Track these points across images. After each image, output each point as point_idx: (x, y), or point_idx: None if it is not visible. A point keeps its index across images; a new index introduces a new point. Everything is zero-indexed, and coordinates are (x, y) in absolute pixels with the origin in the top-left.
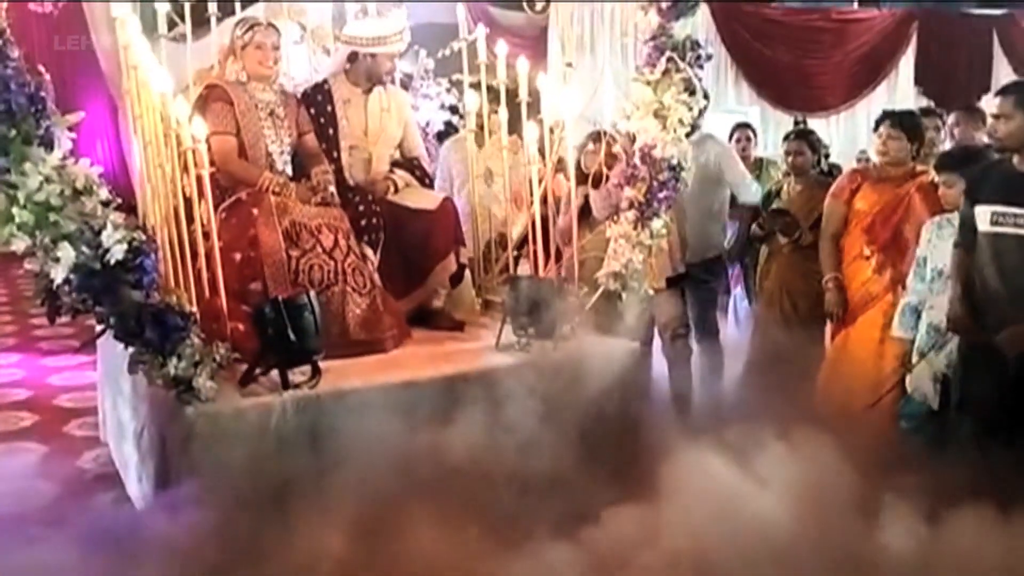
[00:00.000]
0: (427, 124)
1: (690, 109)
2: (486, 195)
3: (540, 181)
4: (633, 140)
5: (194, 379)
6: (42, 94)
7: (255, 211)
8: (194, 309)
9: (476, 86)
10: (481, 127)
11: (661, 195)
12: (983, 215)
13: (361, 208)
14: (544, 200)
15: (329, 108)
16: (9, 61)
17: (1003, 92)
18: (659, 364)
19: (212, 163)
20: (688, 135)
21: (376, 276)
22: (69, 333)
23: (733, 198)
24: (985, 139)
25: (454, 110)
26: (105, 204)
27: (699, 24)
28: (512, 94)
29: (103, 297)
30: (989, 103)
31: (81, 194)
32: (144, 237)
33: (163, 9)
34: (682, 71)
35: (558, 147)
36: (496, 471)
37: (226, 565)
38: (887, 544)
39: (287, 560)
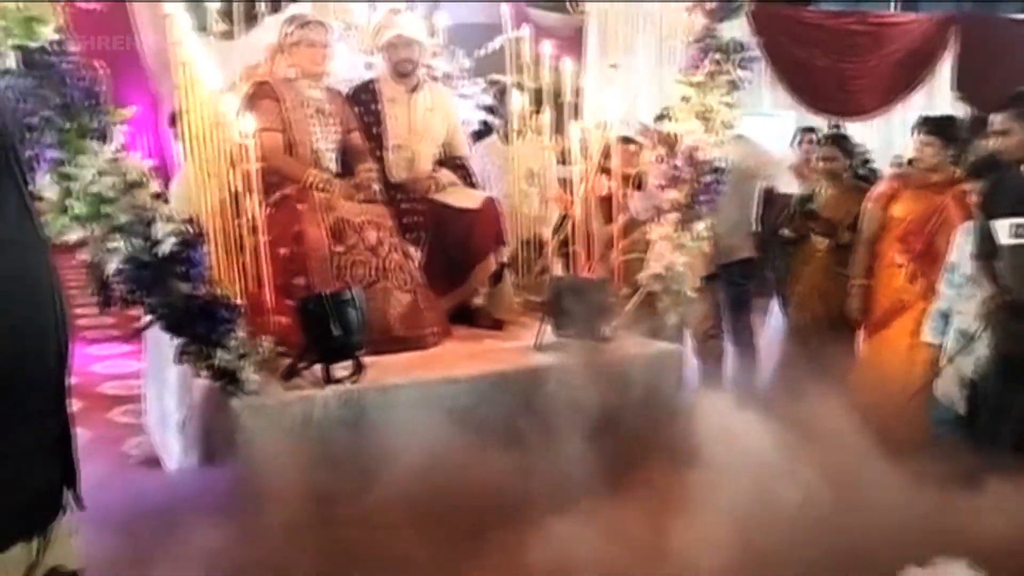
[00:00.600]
0: (463, 123)
1: (734, 111)
2: (527, 195)
3: (581, 181)
4: (675, 142)
5: (239, 371)
6: (97, 89)
7: (301, 207)
8: (241, 302)
9: (518, 86)
10: (522, 127)
11: (704, 197)
12: (1003, 228)
13: (405, 206)
14: (585, 200)
15: (375, 107)
16: (67, 56)
17: (1000, 108)
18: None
19: (260, 159)
20: None
21: (418, 273)
22: (111, 323)
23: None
24: None
25: (491, 110)
26: (156, 197)
27: (734, 27)
28: (555, 94)
29: (153, 288)
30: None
31: (133, 187)
32: (194, 230)
33: (214, 7)
34: (727, 73)
35: (601, 147)
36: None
37: (265, 556)
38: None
39: (325, 551)
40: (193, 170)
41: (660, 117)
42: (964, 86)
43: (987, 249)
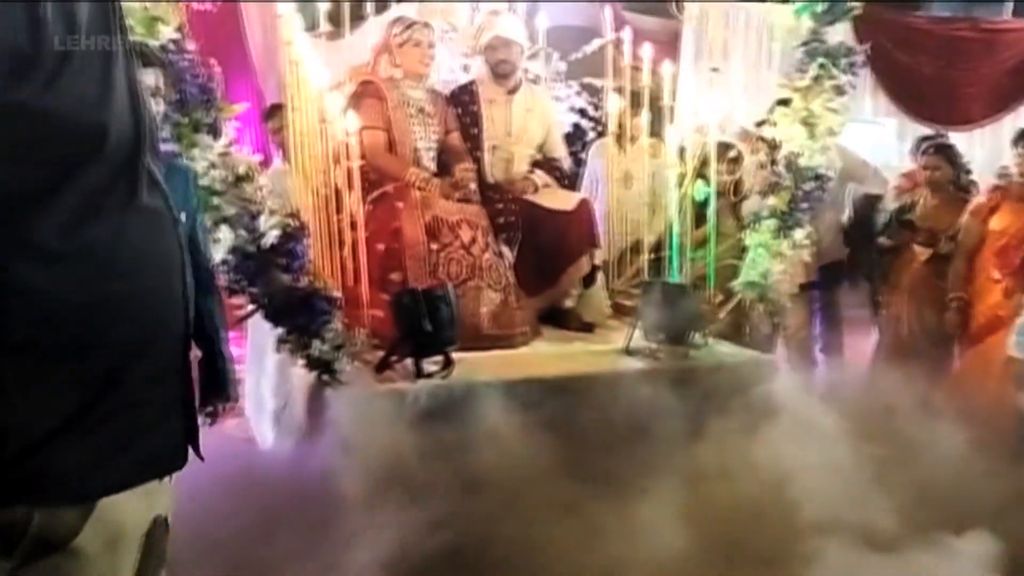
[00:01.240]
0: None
1: (839, 117)
2: (623, 198)
3: (679, 185)
4: (776, 148)
5: (334, 362)
6: (211, 85)
7: (400, 204)
8: (339, 295)
9: (617, 90)
10: (621, 130)
11: (804, 205)
12: None
13: (500, 206)
14: (681, 205)
15: (475, 108)
16: (185, 54)
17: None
18: None
19: (362, 156)
20: None
21: (511, 273)
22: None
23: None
24: None
25: (583, 113)
26: (262, 191)
27: (839, 31)
28: (654, 97)
29: (256, 278)
30: None
31: (241, 180)
32: (297, 224)
33: (323, 8)
34: (834, 77)
35: (700, 152)
36: (613, 476)
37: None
38: None
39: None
40: (298, 166)
41: (761, 122)
42: None
43: None
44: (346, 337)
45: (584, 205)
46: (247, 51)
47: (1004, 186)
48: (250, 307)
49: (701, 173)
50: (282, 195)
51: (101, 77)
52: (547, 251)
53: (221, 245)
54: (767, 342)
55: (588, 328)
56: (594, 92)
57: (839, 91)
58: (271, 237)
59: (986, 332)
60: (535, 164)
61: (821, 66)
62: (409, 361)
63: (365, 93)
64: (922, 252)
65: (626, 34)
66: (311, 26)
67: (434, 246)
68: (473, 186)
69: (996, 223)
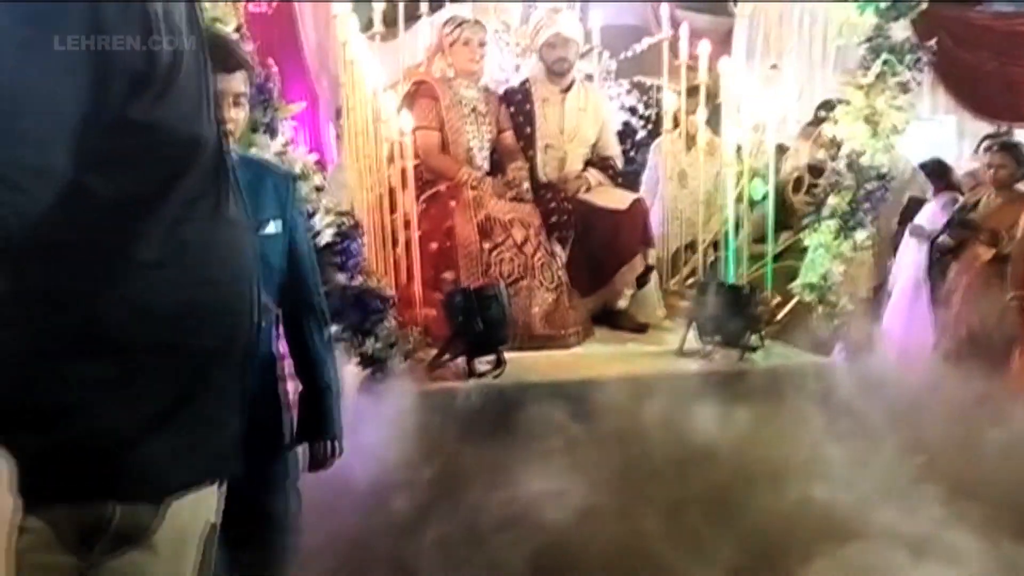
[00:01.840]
0: None
1: (904, 114)
2: (679, 196)
3: (736, 183)
4: (838, 146)
5: (388, 360)
6: (270, 85)
7: (453, 203)
8: (393, 293)
9: (672, 88)
10: (677, 128)
11: (867, 205)
12: None
13: (553, 205)
14: (739, 203)
15: (528, 107)
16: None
17: None
18: None
19: (416, 156)
20: None
21: (563, 273)
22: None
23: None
24: None
25: (633, 111)
26: (318, 190)
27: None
28: (710, 95)
29: None
30: None
31: (298, 179)
32: (352, 222)
33: (378, 8)
34: (899, 74)
35: (758, 150)
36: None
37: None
38: None
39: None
40: (352, 165)
41: (821, 120)
42: None
43: None
44: (399, 335)
45: (638, 204)
46: (301, 52)
47: None
48: None
49: (759, 171)
50: (347, 194)
51: (196, 89)
52: (600, 250)
53: None
54: (825, 345)
55: (641, 329)
56: (644, 90)
57: (904, 88)
58: (326, 235)
59: None
60: (588, 163)
61: (885, 63)
62: (461, 360)
63: (419, 93)
64: (984, 252)
65: (683, 31)
66: (366, 27)
67: (486, 245)
68: (526, 185)
69: None
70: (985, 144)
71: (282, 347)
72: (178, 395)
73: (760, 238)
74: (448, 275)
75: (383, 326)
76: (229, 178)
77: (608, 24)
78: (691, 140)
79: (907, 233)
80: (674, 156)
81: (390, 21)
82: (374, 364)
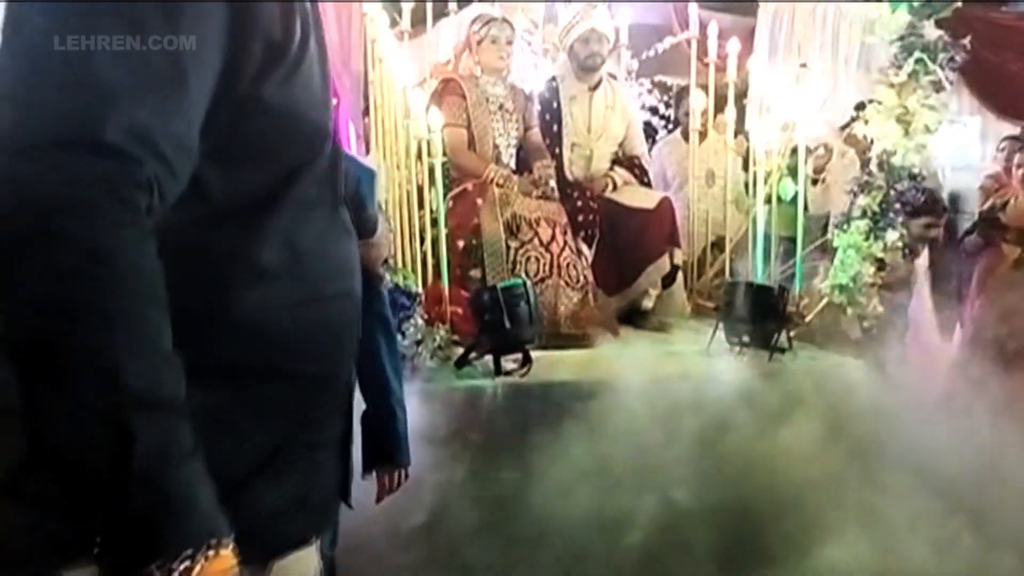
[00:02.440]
0: None
1: (937, 113)
2: (705, 196)
3: (765, 183)
4: (867, 146)
5: (415, 357)
6: None
7: (479, 201)
8: (420, 290)
9: (700, 86)
10: (704, 127)
11: (898, 205)
12: None
13: (579, 204)
14: (768, 203)
15: (555, 104)
16: None
17: None
18: None
19: (443, 153)
20: None
21: (589, 272)
22: None
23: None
24: None
25: (654, 111)
26: None
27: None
28: (738, 94)
29: None
30: None
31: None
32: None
33: (407, 7)
34: (932, 73)
35: (787, 149)
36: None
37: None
38: None
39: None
40: (380, 163)
41: (851, 120)
42: None
43: None
44: (426, 333)
45: (665, 203)
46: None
47: None
48: None
49: (788, 171)
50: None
51: (322, 73)
52: (626, 250)
53: None
54: (855, 346)
55: (667, 329)
56: (665, 90)
57: (936, 87)
58: None
59: None
60: (615, 161)
61: (918, 61)
62: (488, 358)
63: (446, 91)
64: (1011, 252)
65: (712, 29)
66: (392, 24)
67: (513, 243)
68: (552, 183)
69: None
70: (1002, 145)
71: None
72: (283, 433)
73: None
74: (475, 273)
75: (410, 323)
76: (342, 177)
77: (630, 23)
78: (714, 138)
79: None
80: (701, 155)
81: (416, 20)
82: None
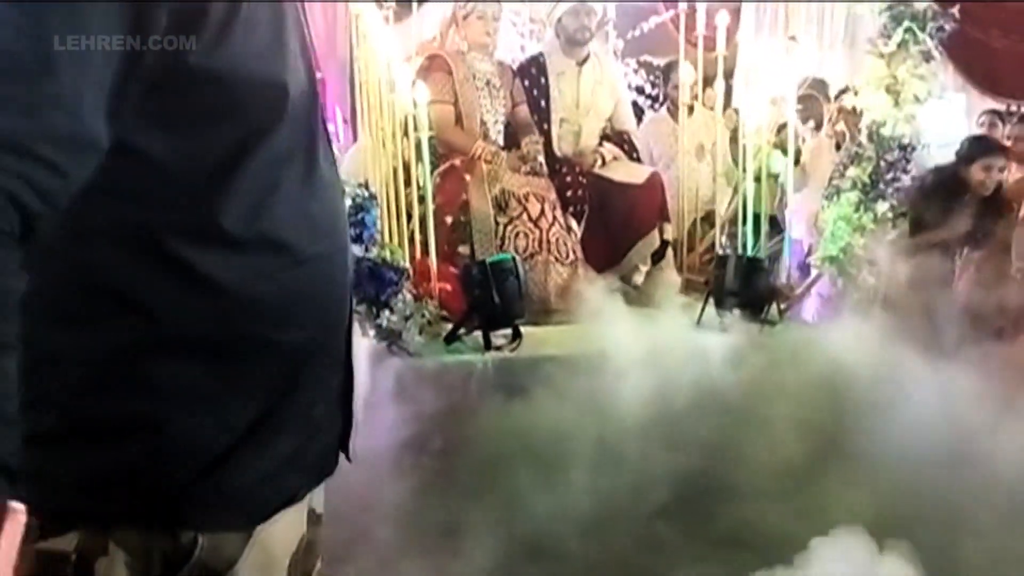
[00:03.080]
0: None
1: (926, 83)
2: (695, 171)
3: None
4: (857, 117)
5: (404, 332)
6: None
7: (468, 177)
8: (407, 266)
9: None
10: (694, 101)
11: (888, 176)
12: None
13: (568, 180)
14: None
15: (543, 80)
16: None
17: None
18: None
19: (429, 128)
20: None
21: (579, 247)
22: None
23: None
24: None
25: (640, 90)
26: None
27: None
28: (728, 68)
29: None
30: None
31: None
32: (367, 194)
33: None
34: (921, 43)
35: (776, 123)
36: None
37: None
38: None
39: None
40: (367, 139)
41: (843, 91)
42: None
43: None
44: (415, 308)
45: (655, 178)
46: (307, 38)
47: None
48: None
49: (777, 144)
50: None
51: (273, 26)
52: (616, 225)
53: None
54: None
55: (658, 304)
56: (651, 70)
57: (926, 57)
58: None
59: None
60: (604, 137)
61: (907, 31)
62: (478, 333)
63: (432, 67)
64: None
65: (700, 3)
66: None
67: (501, 219)
68: (540, 159)
69: None
70: (982, 119)
71: None
72: (269, 403)
73: None
74: (463, 249)
75: (398, 299)
76: (322, 132)
77: (616, 3)
78: (706, 112)
79: None
80: (690, 129)
81: (401, 6)
82: (390, 337)
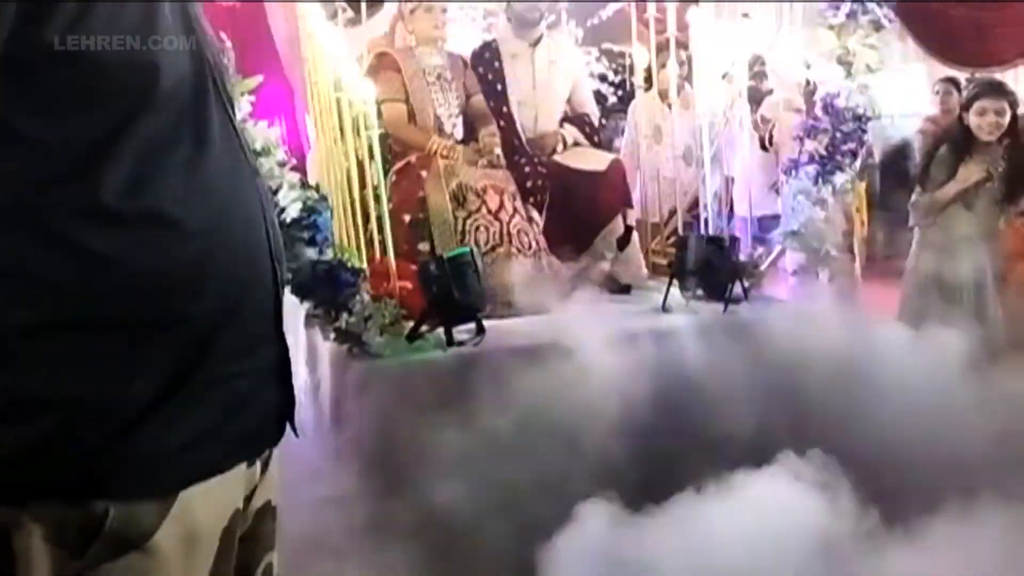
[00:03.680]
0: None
1: (878, 52)
2: (655, 153)
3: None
4: (812, 90)
5: (363, 334)
6: (224, 60)
7: (424, 174)
8: (364, 266)
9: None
10: (649, 82)
11: (845, 147)
12: None
13: (527, 170)
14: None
15: (497, 64)
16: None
17: None
18: None
19: (380, 126)
20: None
21: (542, 238)
22: None
23: None
24: None
25: (603, 78)
26: (281, 165)
27: None
28: (681, 47)
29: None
30: None
31: (259, 155)
32: (318, 196)
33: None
34: (869, 12)
35: (734, 101)
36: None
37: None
38: None
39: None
40: (321, 140)
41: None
42: None
43: None
44: (374, 308)
45: (616, 164)
46: (272, 44)
47: None
48: None
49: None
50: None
51: (143, 10)
52: (579, 214)
53: None
54: (811, 293)
55: (625, 290)
56: (613, 57)
57: (875, 26)
58: (292, 210)
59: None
60: (563, 119)
61: (855, 1)
62: (440, 330)
63: (381, 65)
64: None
65: None
66: (332, 15)
67: (460, 214)
68: (498, 151)
69: None
70: (937, 88)
71: None
72: (181, 373)
73: None
74: (423, 246)
75: (356, 300)
76: (214, 116)
77: None
78: (664, 95)
79: None
80: (648, 113)
81: (355, 7)
82: (350, 339)
